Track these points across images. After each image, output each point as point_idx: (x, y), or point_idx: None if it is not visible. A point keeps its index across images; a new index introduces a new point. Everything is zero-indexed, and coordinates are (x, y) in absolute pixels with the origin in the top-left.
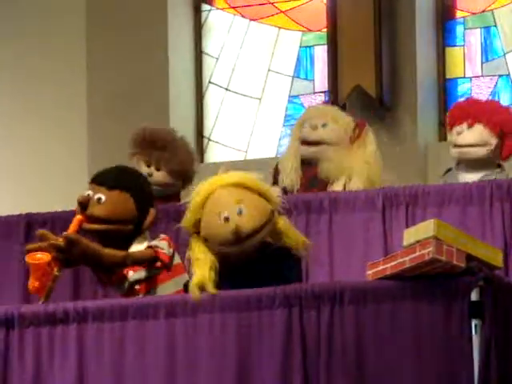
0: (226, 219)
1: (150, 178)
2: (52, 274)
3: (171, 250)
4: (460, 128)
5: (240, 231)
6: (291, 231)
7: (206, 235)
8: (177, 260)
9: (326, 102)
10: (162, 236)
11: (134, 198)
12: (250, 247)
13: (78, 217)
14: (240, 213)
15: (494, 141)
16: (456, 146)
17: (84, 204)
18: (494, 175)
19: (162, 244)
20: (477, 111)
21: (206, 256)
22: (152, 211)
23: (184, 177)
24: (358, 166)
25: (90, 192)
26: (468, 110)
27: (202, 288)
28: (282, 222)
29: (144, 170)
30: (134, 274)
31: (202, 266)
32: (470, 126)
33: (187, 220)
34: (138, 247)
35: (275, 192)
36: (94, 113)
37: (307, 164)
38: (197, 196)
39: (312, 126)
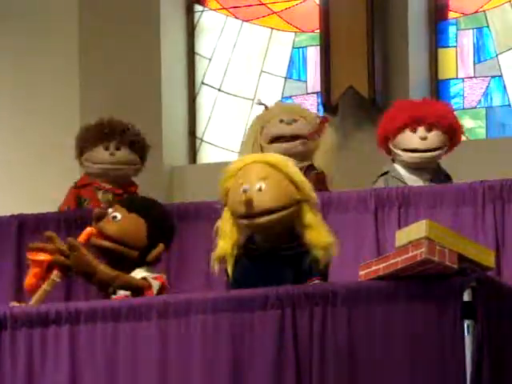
0: (244, 191)
1: (113, 158)
2: (49, 277)
3: (158, 287)
4: (422, 133)
5: (251, 205)
6: (317, 228)
7: (228, 201)
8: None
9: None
10: (159, 275)
11: (148, 227)
12: (268, 228)
13: (89, 229)
14: (259, 189)
15: (448, 142)
16: (415, 151)
17: (99, 218)
18: (441, 175)
19: (155, 283)
20: (432, 115)
21: (231, 230)
22: (161, 245)
23: (143, 151)
24: (321, 158)
25: (110, 209)
26: (422, 113)
27: (222, 262)
28: (310, 217)
29: (104, 153)
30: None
31: (226, 240)
32: (429, 130)
33: (219, 185)
34: (139, 274)
35: (308, 185)
36: (86, 113)
37: None
38: (231, 165)
39: (283, 121)
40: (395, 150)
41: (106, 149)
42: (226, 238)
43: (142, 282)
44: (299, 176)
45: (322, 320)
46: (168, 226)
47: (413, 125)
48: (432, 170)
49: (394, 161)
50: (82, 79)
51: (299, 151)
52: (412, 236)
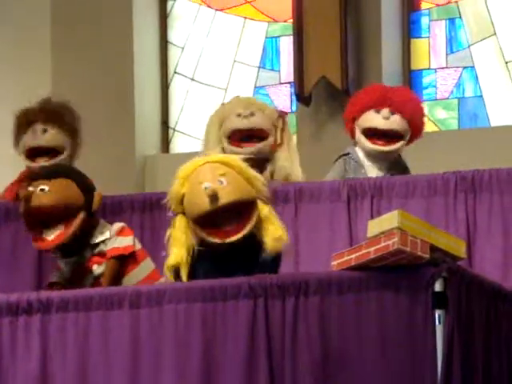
0: (206, 188)
1: (40, 142)
2: None
3: (130, 238)
4: (385, 113)
5: (216, 198)
6: (272, 221)
7: (186, 206)
8: (138, 246)
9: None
10: (116, 228)
11: (77, 183)
12: None
13: None
14: (221, 183)
15: (409, 131)
16: (375, 133)
17: (28, 198)
18: (401, 166)
19: (119, 240)
20: (399, 99)
21: (185, 237)
22: (98, 193)
23: (72, 130)
24: (290, 162)
25: (31, 188)
26: (389, 95)
27: (175, 270)
28: (266, 210)
29: (30, 138)
30: (98, 267)
31: (179, 247)
32: (393, 112)
33: (172, 193)
34: (101, 237)
35: (260, 180)
36: None
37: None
38: (181, 171)
39: (240, 115)
40: (358, 134)
41: (33, 132)
42: (180, 245)
43: (112, 263)
44: (251, 172)
45: (294, 310)
46: (88, 178)
47: (378, 105)
48: (392, 160)
49: (355, 144)
50: (53, 67)
51: (258, 152)
52: (384, 226)
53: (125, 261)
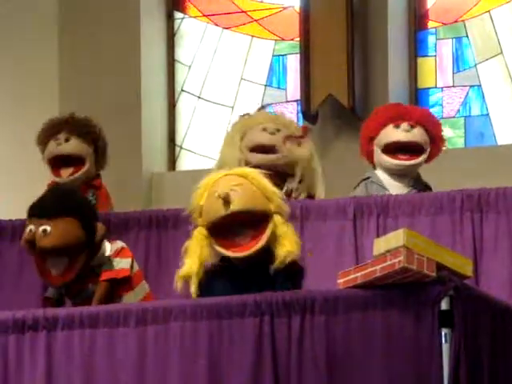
0: (219, 195)
1: (59, 149)
2: None
3: (127, 261)
4: (405, 127)
5: (229, 198)
6: (288, 237)
7: (203, 216)
8: (135, 268)
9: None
10: (115, 248)
11: (79, 220)
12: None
13: None
14: (234, 190)
15: (428, 146)
16: (397, 144)
17: (31, 241)
18: (422, 184)
19: (116, 262)
20: (417, 113)
21: (201, 250)
22: (100, 225)
23: (95, 139)
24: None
25: (32, 227)
26: (407, 110)
27: (186, 280)
28: (283, 227)
29: (53, 146)
30: (92, 286)
31: (193, 259)
32: (413, 126)
33: (192, 206)
34: (98, 261)
35: (278, 195)
36: None
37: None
38: (201, 183)
39: (266, 130)
40: (378, 154)
41: (56, 141)
42: (194, 257)
43: (104, 286)
44: (270, 187)
45: (300, 328)
46: (93, 208)
47: (397, 120)
48: (413, 178)
49: (375, 168)
50: (61, 85)
51: (277, 164)
52: (390, 245)
53: (118, 284)
